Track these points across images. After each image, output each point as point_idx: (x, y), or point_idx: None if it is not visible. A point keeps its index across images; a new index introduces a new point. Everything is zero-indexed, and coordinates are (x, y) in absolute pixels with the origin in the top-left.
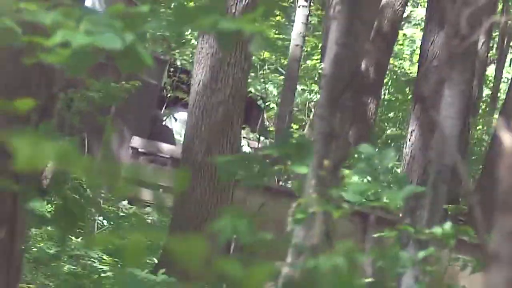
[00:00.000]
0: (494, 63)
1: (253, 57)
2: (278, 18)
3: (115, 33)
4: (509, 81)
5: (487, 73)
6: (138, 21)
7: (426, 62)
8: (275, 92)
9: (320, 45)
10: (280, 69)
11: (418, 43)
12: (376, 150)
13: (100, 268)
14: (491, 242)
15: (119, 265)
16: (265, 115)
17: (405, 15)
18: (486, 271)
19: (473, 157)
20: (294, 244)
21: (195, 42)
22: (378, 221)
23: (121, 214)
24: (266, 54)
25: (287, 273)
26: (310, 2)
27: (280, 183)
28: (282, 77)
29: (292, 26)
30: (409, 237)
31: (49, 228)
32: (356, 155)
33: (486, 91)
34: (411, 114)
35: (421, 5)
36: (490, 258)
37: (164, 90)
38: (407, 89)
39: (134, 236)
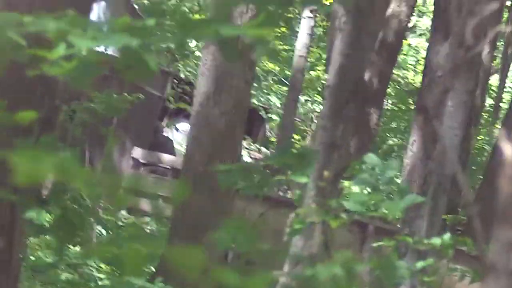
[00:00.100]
0: (498, 72)
1: (257, 68)
2: (283, 29)
3: (121, 38)
4: None
5: (490, 82)
6: (144, 34)
7: (430, 73)
8: (278, 103)
9: (324, 56)
10: (284, 80)
11: (423, 53)
12: (379, 160)
13: (98, 277)
14: (489, 253)
15: (116, 274)
16: (267, 126)
17: (410, 25)
18: (484, 281)
19: (474, 167)
20: (292, 253)
21: (200, 54)
22: (376, 231)
23: (120, 223)
24: (270, 65)
25: (284, 282)
26: (315, 13)
27: (280, 193)
28: (286, 88)
29: (297, 37)
30: (407, 247)
31: (47, 236)
32: (357, 166)
33: (489, 101)
34: (413, 124)
35: (426, 15)
36: (488, 269)
37: (167, 102)
38: (410, 99)
39: (134, 245)
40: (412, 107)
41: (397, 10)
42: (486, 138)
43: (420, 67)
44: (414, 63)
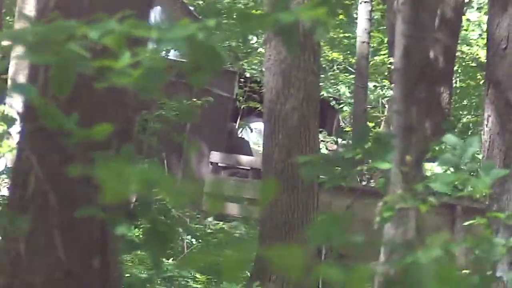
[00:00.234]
0: None
1: (321, 59)
2: (341, 16)
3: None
4: None
5: None
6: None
7: (494, 46)
8: (347, 92)
9: (386, 39)
10: (350, 68)
11: (484, 27)
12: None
13: (195, 287)
14: None
15: (213, 282)
16: (339, 117)
17: (466, 0)
18: None
19: None
20: (387, 242)
21: (262, 50)
22: (465, 211)
23: (209, 231)
24: (334, 54)
25: (384, 273)
26: None
27: (363, 183)
28: (353, 76)
29: (356, 23)
30: (498, 224)
31: (138, 252)
32: (436, 147)
33: None
34: (485, 99)
35: None
36: None
37: (237, 102)
38: (479, 74)
39: (228, 251)
40: (481, 82)
41: None
42: None
43: (483, 42)
44: (477, 37)
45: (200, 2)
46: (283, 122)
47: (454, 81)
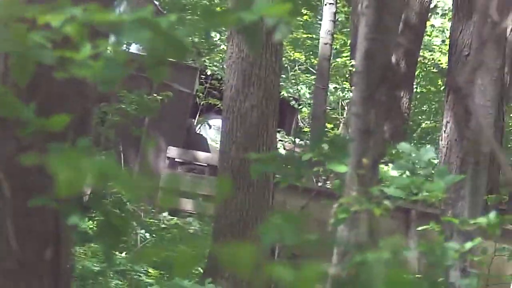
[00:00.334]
0: None
1: (283, 58)
2: (305, 17)
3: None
4: None
5: None
6: (167, 31)
7: (456, 52)
8: (307, 93)
9: (349, 42)
10: (311, 69)
11: (447, 33)
12: (413, 146)
13: (147, 282)
14: None
15: (165, 278)
16: (298, 117)
17: (431, 5)
18: None
19: (509, 145)
20: (339, 243)
21: (224, 47)
22: (419, 216)
23: (163, 226)
24: (296, 55)
25: (335, 273)
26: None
27: (319, 184)
28: (314, 77)
29: (320, 24)
30: (452, 229)
31: (92, 244)
32: (394, 151)
33: None
34: (445, 105)
35: None
36: None
37: (197, 98)
38: (439, 80)
39: (181, 247)
40: (442, 88)
41: None
42: None
43: (446, 48)
44: (439, 43)
45: None
46: (242, 120)
47: (414, 86)
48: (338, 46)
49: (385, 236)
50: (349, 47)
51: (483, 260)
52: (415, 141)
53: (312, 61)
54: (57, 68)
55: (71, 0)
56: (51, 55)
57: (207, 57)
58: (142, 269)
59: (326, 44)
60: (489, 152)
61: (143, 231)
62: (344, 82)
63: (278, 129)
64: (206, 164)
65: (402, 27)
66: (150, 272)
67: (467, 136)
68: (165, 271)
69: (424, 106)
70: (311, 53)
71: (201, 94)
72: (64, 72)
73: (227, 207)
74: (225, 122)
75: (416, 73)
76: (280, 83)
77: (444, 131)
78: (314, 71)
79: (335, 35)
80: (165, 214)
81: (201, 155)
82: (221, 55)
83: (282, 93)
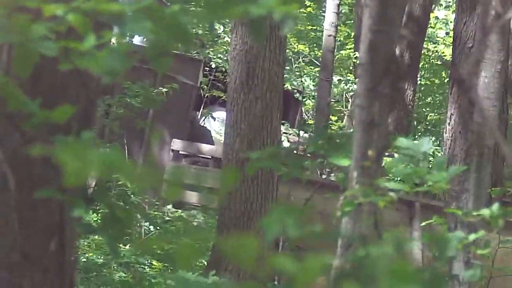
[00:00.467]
0: None
1: (287, 51)
2: (309, 9)
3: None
4: None
5: None
6: (170, 20)
7: (460, 44)
8: (311, 85)
9: (352, 34)
10: (315, 61)
11: (451, 25)
12: (414, 140)
13: (151, 274)
14: None
15: (169, 270)
16: (302, 109)
17: None
18: None
19: None
20: (344, 236)
21: (228, 39)
22: (423, 208)
23: (167, 218)
24: (300, 47)
25: (338, 265)
26: None
27: (323, 176)
28: (318, 69)
29: (324, 16)
30: (456, 222)
31: (96, 237)
32: (394, 146)
33: None
34: (449, 97)
35: None
36: None
37: (201, 90)
38: (443, 72)
39: (185, 239)
40: (446, 80)
41: None
42: None
43: (450, 40)
44: (443, 35)
45: None
46: (246, 112)
47: (418, 78)
48: (342, 38)
49: (389, 228)
50: (353, 39)
51: (487, 252)
52: (419, 134)
53: (316, 53)
54: (61, 60)
55: None
56: (53, 47)
57: (211, 49)
58: (146, 262)
59: (330, 36)
60: (493, 145)
61: (147, 223)
62: (348, 74)
63: (282, 121)
64: (210, 157)
65: (406, 19)
66: (154, 265)
67: (471, 129)
68: (169, 264)
69: (428, 99)
70: (315, 45)
71: (205, 86)
72: (68, 63)
73: (231, 200)
74: (229, 114)
75: (420, 65)
76: (284, 75)
77: (448, 124)
78: (318, 63)
79: (339, 27)
80: (169, 206)
81: (205, 147)
82: (225, 47)
83: (286, 85)
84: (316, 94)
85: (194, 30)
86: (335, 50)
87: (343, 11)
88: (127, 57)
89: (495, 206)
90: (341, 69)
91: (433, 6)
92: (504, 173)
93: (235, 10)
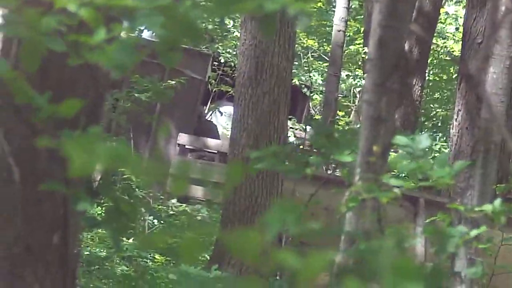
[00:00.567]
0: None
1: (296, 45)
2: (319, 4)
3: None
4: None
5: None
6: (182, 16)
7: (469, 40)
8: (319, 80)
9: (362, 29)
10: (324, 56)
11: (461, 21)
12: (416, 136)
13: (153, 268)
14: None
15: (171, 264)
16: (310, 104)
17: None
18: None
19: None
20: (347, 231)
21: (238, 34)
22: (428, 205)
23: (171, 212)
24: (309, 42)
25: (341, 261)
26: None
27: (329, 171)
28: (326, 64)
29: (334, 11)
30: (460, 219)
31: (99, 230)
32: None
33: None
34: (457, 93)
35: None
36: None
37: (209, 85)
38: (452, 68)
39: (189, 234)
40: (454, 76)
41: None
42: None
43: (459, 35)
44: (453, 31)
45: None
46: (253, 107)
47: (426, 74)
48: (351, 33)
49: (394, 224)
50: (362, 35)
51: (489, 249)
52: (426, 130)
53: (325, 48)
54: (70, 54)
55: None
56: (61, 42)
57: (220, 44)
58: (149, 255)
59: (339, 31)
60: (499, 141)
61: (151, 217)
62: (357, 70)
63: (289, 116)
64: (216, 151)
65: (415, 14)
66: (156, 259)
67: (478, 125)
68: (172, 258)
69: (436, 94)
70: (324, 40)
71: (213, 81)
72: (77, 57)
73: (236, 195)
74: (236, 109)
75: (429, 60)
76: (293, 70)
77: (456, 119)
78: (327, 58)
79: (348, 22)
80: (174, 200)
81: (211, 142)
82: (234, 41)
83: (294, 80)
84: (324, 89)
85: (204, 25)
86: (344, 45)
87: (353, 6)
88: (136, 51)
89: (497, 202)
90: (350, 64)
91: (443, 1)
92: (510, 169)
93: (248, 4)
